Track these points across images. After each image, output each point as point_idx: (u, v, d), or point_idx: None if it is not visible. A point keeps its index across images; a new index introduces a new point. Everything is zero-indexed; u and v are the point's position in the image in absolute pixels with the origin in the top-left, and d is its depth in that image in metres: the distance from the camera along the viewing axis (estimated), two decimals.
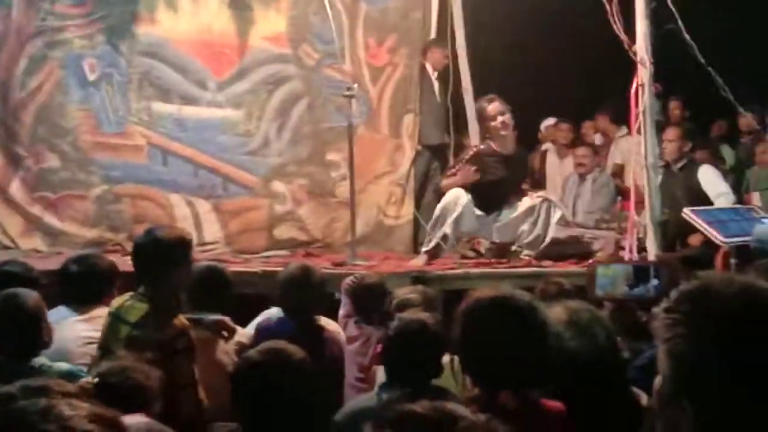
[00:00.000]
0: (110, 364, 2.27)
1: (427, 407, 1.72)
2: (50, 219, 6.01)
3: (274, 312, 3.88)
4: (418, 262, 5.67)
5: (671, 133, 5.86)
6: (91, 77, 6.15)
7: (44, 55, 6.03)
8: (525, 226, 5.74)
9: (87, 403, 1.10)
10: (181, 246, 3.20)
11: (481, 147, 5.91)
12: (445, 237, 5.70)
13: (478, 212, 5.75)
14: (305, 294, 3.68)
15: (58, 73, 6.07)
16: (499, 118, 5.73)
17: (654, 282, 2.48)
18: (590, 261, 2.51)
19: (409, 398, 1.99)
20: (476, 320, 2.13)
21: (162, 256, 3.11)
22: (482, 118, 5.92)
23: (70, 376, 2.73)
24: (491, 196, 5.77)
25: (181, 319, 3.11)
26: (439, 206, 5.78)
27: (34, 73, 6.00)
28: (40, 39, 6.02)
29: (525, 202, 5.77)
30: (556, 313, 2.35)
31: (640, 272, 2.49)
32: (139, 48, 6.29)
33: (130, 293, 3.20)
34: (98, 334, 3.25)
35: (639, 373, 2.49)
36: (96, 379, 2.11)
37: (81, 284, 3.63)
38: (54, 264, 4.17)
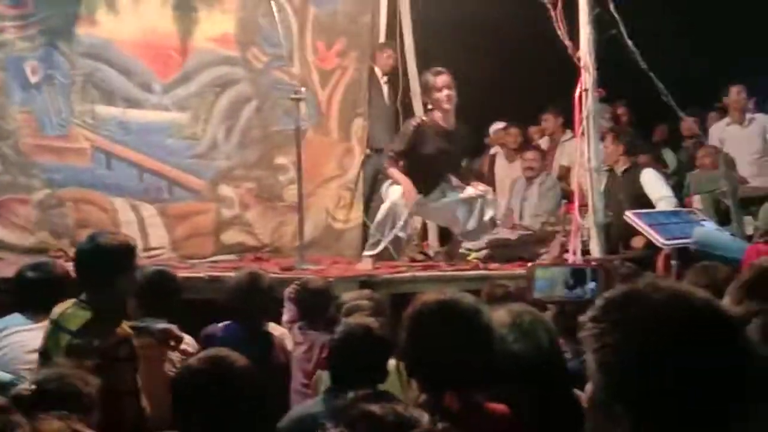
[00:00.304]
0: (48, 371, 2.22)
1: (387, 409, 1.72)
2: None
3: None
4: (365, 266, 5.66)
5: (607, 139, 6.00)
6: (33, 79, 6.01)
7: None
8: (460, 214, 5.81)
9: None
10: (124, 252, 3.14)
11: (424, 119, 5.90)
12: (397, 240, 5.71)
13: (420, 198, 5.75)
14: (254, 300, 3.67)
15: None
16: (445, 91, 5.75)
17: (591, 284, 2.52)
18: (530, 264, 2.54)
19: (360, 402, 1.99)
20: (422, 324, 2.14)
21: (104, 263, 3.05)
22: (427, 89, 5.90)
23: (8, 384, 2.67)
24: (430, 169, 5.78)
25: (124, 328, 3.06)
26: (385, 207, 5.75)
27: None
28: None
29: (467, 191, 5.82)
30: (499, 315, 2.37)
31: (578, 274, 2.52)
32: (82, 50, 6.16)
33: (72, 300, 3.13)
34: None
35: (580, 374, 2.53)
36: (33, 387, 2.05)
37: (37, 291, 3.55)
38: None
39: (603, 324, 1.21)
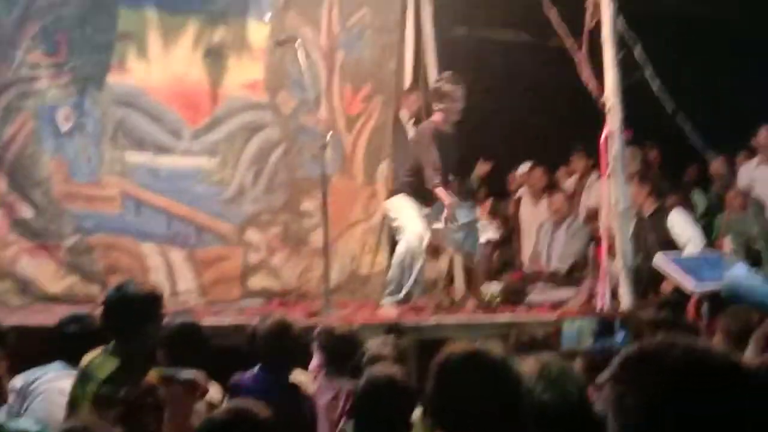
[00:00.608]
0: (71, 422, 2.21)
1: None
2: (24, 265, 5.92)
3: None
4: (390, 313, 5.61)
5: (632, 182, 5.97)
6: (65, 127, 6.12)
7: (17, 106, 5.98)
8: (458, 236, 5.85)
9: None
10: (151, 301, 3.17)
11: (433, 122, 5.91)
12: (416, 282, 5.68)
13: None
14: (283, 349, 3.65)
15: (32, 124, 6.03)
16: (459, 103, 5.81)
17: (620, 335, 2.48)
18: (558, 312, 2.49)
19: None
20: (449, 374, 2.12)
21: (132, 312, 3.07)
22: (442, 95, 5.87)
23: None
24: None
25: (152, 376, 3.05)
26: (402, 249, 5.68)
27: (7, 124, 5.95)
28: (13, 89, 5.98)
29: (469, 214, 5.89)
30: (527, 365, 2.35)
31: (605, 325, 2.48)
32: (113, 97, 6.27)
33: (101, 348, 3.15)
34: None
35: None
36: None
37: (77, 344, 3.50)
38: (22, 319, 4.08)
39: (620, 382, 1.22)
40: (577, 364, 2.69)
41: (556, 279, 6.42)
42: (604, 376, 1.25)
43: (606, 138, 5.00)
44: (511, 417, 2.14)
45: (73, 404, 3.08)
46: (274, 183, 6.72)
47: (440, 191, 5.68)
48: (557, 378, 2.36)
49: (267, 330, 3.70)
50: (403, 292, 5.67)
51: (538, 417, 2.24)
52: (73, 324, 3.70)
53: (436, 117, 5.92)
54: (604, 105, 5.04)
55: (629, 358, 1.23)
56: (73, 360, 3.46)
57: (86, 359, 3.16)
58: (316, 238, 6.62)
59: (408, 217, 5.75)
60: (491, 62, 7.40)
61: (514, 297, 5.83)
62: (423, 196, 5.76)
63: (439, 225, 5.84)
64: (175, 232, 6.40)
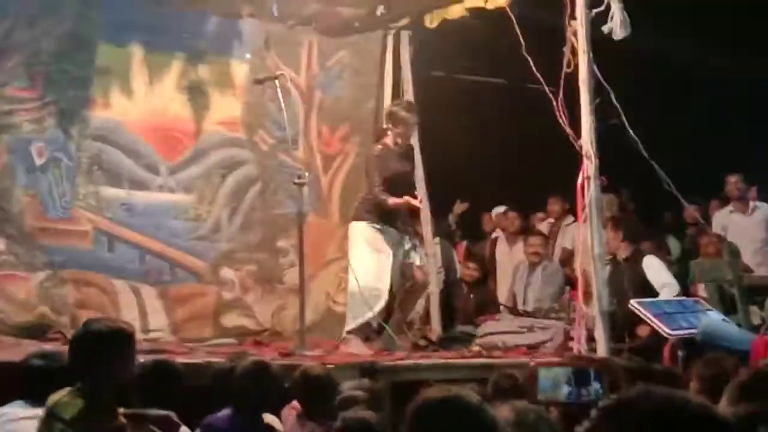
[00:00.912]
0: None
1: None
2: None
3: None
4: (359, 349, 5.54)
5: (607, 227, 5.99)
6: (39, 161, 6.06)
7: None
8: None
9: None
10: (119, 339, 3.09)
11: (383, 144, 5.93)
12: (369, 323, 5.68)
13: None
14: (261, 390, 3.59)
15: (5, 158, 5.97)
16: (411, 130, 5.96)
17: (595, 385, 2.46)
18: (533, 363, 2.47)
19: None
20: (425, 419, 2.09)
21: (99, 350, 2.99)
22: (398, 120, 5.89)
23: None
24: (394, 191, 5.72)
25: (118, 416, 2.98)
26: (362, 281, 5.62)
27: None
28: None
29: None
30: (503, 413, 2.32)
31: (581, 375, 2.46)
32: (89, 132, 6.25)
33: (68, 388, 3.06)
34: None
35: None
36: None
37: (43, 380, 3.39)
38: None
39: None
40: (553, 413, 2.66)
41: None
42: (583, 426, 1.23)
43: (582, 183, 5.03)
44: None
45: None
46: (250, 220, 6.70)
47: (393, 201, 5.66)
48: (533, 427, 2.34)
49: (244, 370, 3.64)
50: (357, 322, 5.63)
51: None
52: (38, 359, 3.58)
53: (387, 139, 5.93)
54: (580, 150, 5.07)
55: (608, 408, 1.22)
56: (36, 398, 3.37)
57: (52, 399, 3.07)
58: (291, 277, 6.59)
59: (358, 255, 5.75)
60: (469, 105, 7.46)
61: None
62: (386, 214, 5.73)
63: (419, 261, 5.84)
64: (149, 268, 6.34)
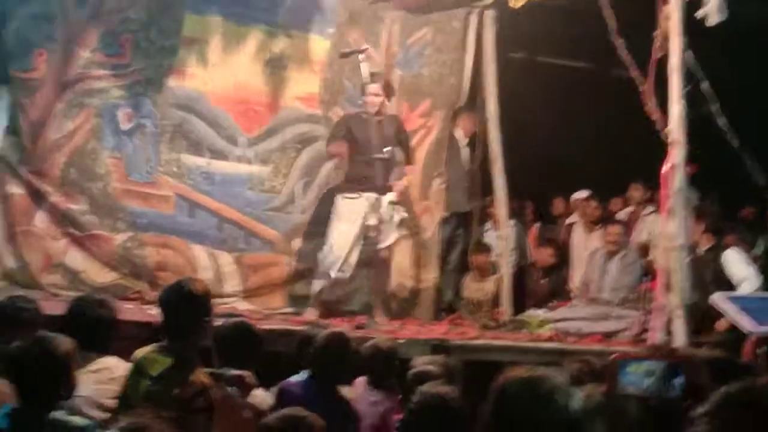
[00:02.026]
0: (131, 421, 2.20)
1: None
2: (74, 256, 6.01)
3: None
4: (310, 315, 5.72)
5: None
6: (125, 126, 6.22)
7: (81, 102, 6.11)
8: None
9: None
10: (208, 299, 3.17)
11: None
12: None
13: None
14: (338, 362, 3.63)
15: (94, 121, 6.14)
16: (372, 98, 5.91)
17: (679, 379, 2.38)
18: (615, 354, 2.40)
19: None
20: (508, 400, 2.07)
21: (191, 310, 3.08)
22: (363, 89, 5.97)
23: (84, 431, 2.65)
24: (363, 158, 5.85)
25: (202, 376, 3.05)
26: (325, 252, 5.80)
27: (70, 118, 6.07)
28: (78, 86, 6.10)
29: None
30: (584, 397, 2.30)
31: (668, 369, 2.39)
32: (173, 100, 6.37)
33: (155, 344, 3.15)
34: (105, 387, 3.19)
35: None
36: None
37: (88, 330, 3.44)
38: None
39: (718, 421, 1.19)
40: (631, 405, 2.61)
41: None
42: (700, 411, 1.21)
43: (667, 171, 4.89)
44: None
45: (126, 398, 3.09)
46: (323, 194, 6.73)
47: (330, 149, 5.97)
48: (616, 415, 2.31)
49: (324, 340, 3.67)
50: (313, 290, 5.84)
51: None
52: (82, 307, 3.56)
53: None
54: (666, 138, 4.94)
55: (730, 397, 1.19)
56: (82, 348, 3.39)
57: (140, 353, 3.16)
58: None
59: (333, 229, 5.89)
60: (550, 87, 7.33)
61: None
62: (356, 180, 5.86)
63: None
64: (225, 235, 6.46)
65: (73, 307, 3.60)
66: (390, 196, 5.82)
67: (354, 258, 5.82)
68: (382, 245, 5.88)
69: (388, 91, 6.02)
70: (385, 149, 5.76)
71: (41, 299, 4.39)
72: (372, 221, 5.80)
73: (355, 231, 5.80)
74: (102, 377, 3.30)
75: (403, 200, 6.01)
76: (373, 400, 3.90)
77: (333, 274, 5.79)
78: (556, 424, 2.10)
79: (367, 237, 5.87)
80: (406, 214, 5.96)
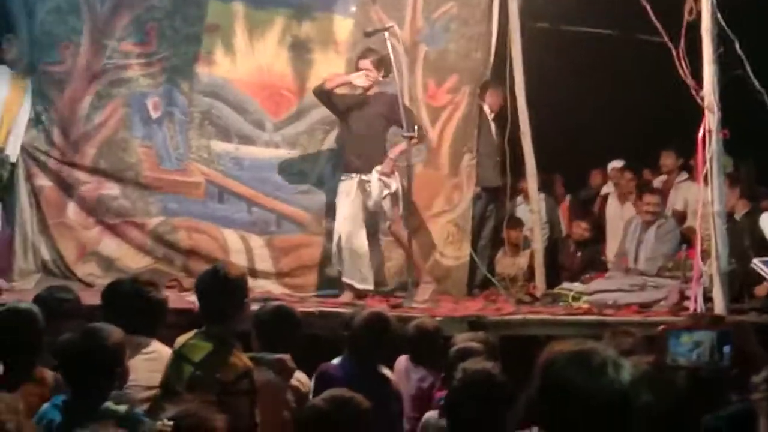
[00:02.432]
0: (181, 407, 2.22)
1: None
2: (107, 243, 6.08)
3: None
4: (345, 298, 5.71)
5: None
6: (154, 115, 6.25)
7: (109, 93, 6.14)
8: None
9: None
10: (244, 283, 3.19)
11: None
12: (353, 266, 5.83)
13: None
14: (379, 342, 3.62)
15: (122, 110, 6.18)
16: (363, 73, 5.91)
17: (727, 348, 2.35)
18: (662, 326, 2.36)
19: None
20: (559, 374, 2.04)
21: (229, 294, 3.09)
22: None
23: (131, 419, 2.67)
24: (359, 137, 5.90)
25: (244, 360, 3.07)
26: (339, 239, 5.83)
27: (99, 109, 6.11)
28: (106, 76, 6.13)
29: None
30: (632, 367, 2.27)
31: (720, 338, 2.35)
32: (200, 87, 6.38)
33: (194, 331, 3.17)
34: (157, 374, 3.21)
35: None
36: (170, 423, 2.06)
37: (140, 313, 3.39)
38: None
39: None
40: (680, 376, 2.58)
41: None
42: (760, 377, 1.17)
43: (703, 137, 4.81)
44: (619, 419, 2.07)
45: (168, 385, 3.11)
46: None
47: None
48: (661, 383, 2.28)
49: (364, 321, 3.66)
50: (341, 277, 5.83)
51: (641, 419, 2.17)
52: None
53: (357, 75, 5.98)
54: (701, 102, 4.85)
55: None
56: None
57: (180, 341, 3.19)
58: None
59: (338, 212, 5.92)
60: (578, 56, 7.23)
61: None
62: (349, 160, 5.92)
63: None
64: (256, 219, 6.49)
65: (124, 288, 3.55)
66: (377, 171, 5.83)
67: (361, 238, 5.85)
68: (388, 222, 5.91)
69: (380, 67, 5.95)
70: (414, 128, 5.73)
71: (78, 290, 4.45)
72: (369, 201, 5.84)
73: (352, 211, 5.84)
74: (155, 366, 3.27)
75: (393, 172, 5.93)
76: (416, 378, 3.91)
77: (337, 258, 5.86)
78: (608, 396, 2.06)
79: (375, 214, 5.92)
80: (397, 185, 5.90)
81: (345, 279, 5.85)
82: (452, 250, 6.81)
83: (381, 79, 5.97)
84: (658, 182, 7.39)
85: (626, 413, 2.09)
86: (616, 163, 7.49)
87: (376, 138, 5.93)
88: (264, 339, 3.46)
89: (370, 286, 5.87)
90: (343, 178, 6.00)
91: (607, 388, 2.06)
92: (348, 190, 5.91)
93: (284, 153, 6.59)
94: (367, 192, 5.85)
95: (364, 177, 5.85)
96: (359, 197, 5.86)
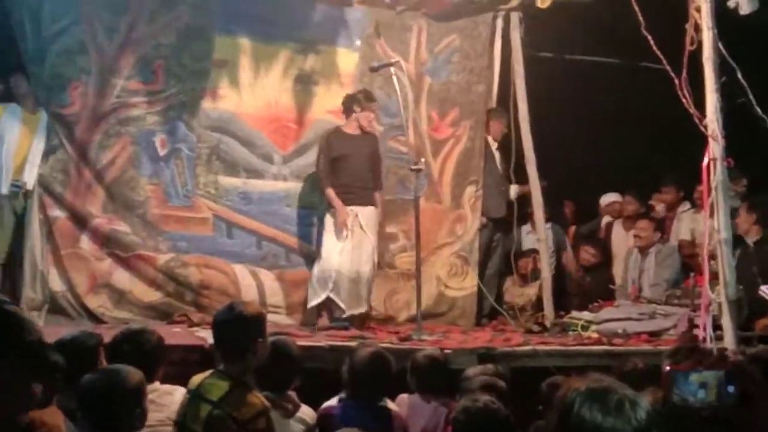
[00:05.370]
0: None
1: None
2: (119, 276, 6.11)
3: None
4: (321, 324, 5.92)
5: (741, 208, 5.79)
6: (162, 152, 6.32)
7: (117, 131, 6.22)
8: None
9: None
10: (261, 321, 3.21)
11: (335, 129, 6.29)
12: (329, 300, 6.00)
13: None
14: (379, 381, 3.63)
15: (131, 149, 6.24)
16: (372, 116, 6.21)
17: (732, 388, 2.36)
18: (667, 367, 2.36)
19: None
20: (577, 413, 2.06)
21: (246, 331, 3.12)
22: (361, 106, 6.15)
23: None
24: (350, 173, 6.08)
25: (261, 399, 3.08)
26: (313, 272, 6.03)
27: (107, 148, 6.18)
28: (114, 115, 6.21)
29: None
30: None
31: (725, 379, 2.36)
32: (208, 123, 6.45)
33: (210, 371, 3.19)
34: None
35: None
36: None
37: (132, 363, 3.27)
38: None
39: None
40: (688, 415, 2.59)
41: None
42: None
43: (707, 165, 4.84)
44: None
45: (184, 424, 3.13)
46: None
47: (329, 194, 6.05)
48: (671, 425, 2.28)
49: (363, 361, 3.66)
50: (313, 302, 6.02)
51: None
52: (127, 343, 3.56)
53: (347, 122, 6.22)
54: (704, 131, 4.88)
55: None
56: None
57: (195, 380, 3.20)
58: (401, 261, 6.67)
59: (324, 242, 6.09)
60: (581, 86, 7.29)
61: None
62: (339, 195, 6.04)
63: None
64: (265, 253, 6.54)
65: (119, 337, 3.61)
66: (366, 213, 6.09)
67: (347, 270, 6.01)
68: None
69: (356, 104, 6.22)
70: (419, 161, 5.82)
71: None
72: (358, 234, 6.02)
73: (342, 244, 5.98)
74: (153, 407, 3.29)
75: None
76: (426, 410, 3.90)
77: (326, 289, 5.99)
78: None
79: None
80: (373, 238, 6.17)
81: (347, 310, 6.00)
82: (457, 282, 6.85)
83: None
84: (662, 209, 7.41)
85: None
86: (608, 197, 7.56)
87: (377, 172, 6.22)
88: (261, 375, 3.40)
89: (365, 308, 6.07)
90: (332, 210, 6.11)
91: (625, 426, 2.07)
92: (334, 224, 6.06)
93: (292, 186, 6.64)
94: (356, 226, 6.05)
95: (355, 212, 6.05)
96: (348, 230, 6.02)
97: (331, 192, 6.06)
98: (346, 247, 5.99)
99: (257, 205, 6.53)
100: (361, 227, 6.05)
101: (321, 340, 5.10)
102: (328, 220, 6.11)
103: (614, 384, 2.16)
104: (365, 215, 6.11)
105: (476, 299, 6.84)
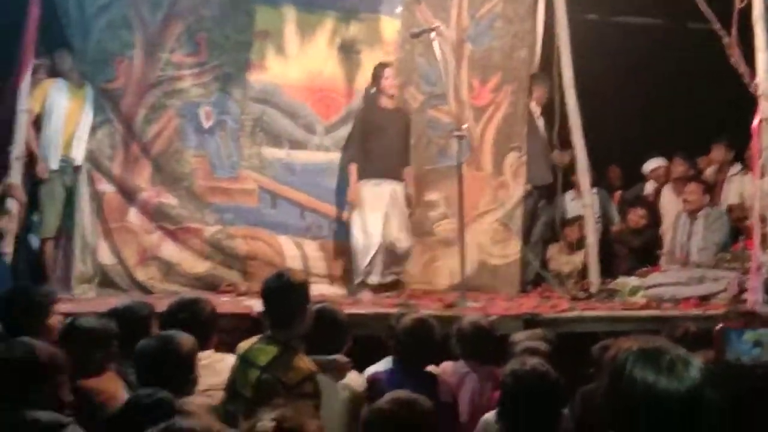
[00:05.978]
0: (281, 411, 2.25)
1: None
2: (167, 248, 6.20)
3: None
4: (369, 299, 5.92)
5: None
6: (206, 124, 6.37)
7: (163, 104, 6.27)
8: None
9: None
10: (306, 288, 3.25)
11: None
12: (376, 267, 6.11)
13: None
14: (422, 347, 3.65)
15: (176, 121, 6.30)
16: (390, 80, 6.28)
17: None
18: (720, 325, 2.33)
19: None
20: (629, 373, 2.04)
21: (293, 298, 3.16)
22: (376, 77, 6.31)
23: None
24: (382, 148, 6.16)
25: (308, 363, 3.12)
26: (352, 242, 6.14)
27: (153, 122, 6.25)
28: (159, 88, 6.27)
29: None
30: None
31: None
32: (251, 94, 6.48)
33: (258, 336, 3.25)
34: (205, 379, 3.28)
35: None
36: (273, 423, 2.12)
37: (187, 331, 3.35)
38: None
39: None
40: (740, 373, 2.57)
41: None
42: None
43: (757, 125, 4.73)
44: (690, 416, 2.06)
45: (234, 389, 3.19)
46: None
47: (350, 168, 6.19)
48: (722, 384, 2.26)
49: (407, 328, 3.69)
50: (361, 277, 6.09)
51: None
52: (182, 312, 3.62)
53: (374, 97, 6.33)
54: (755, 91, 4.77)
55: None
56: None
57: (243, 346, 3.26)
58: (441, 229, 6.67)
59: (357, 213, 6.16)
60: (626, 48, 7.14)
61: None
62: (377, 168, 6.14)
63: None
64: (309, 223, 6.57)
65: (174, 306, 3.69)
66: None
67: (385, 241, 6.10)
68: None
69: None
70: (462, 127, 5.80)
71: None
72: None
73: (381, 215, 6.10)
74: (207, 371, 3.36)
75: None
76: (471, 377, 3.92)
77: (368, 257, 6.08)
78: (680, 394, 2.06)
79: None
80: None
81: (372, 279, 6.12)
82: (499, 249, 6.82)
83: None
84: (710, 173, 7.26)
85: (697, 410, 2.09)
86: (652, 163, 7.43)
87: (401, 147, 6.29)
88: (308, 341, 3.43)
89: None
90: (370, 183, 6.17)
91: (678, 386, 2.05)
92: (379, 194, 6.14)
93: (335, 156, 6.65)
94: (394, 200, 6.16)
95: (391, 186, 6.15)
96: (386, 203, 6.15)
97: (352, 167, 6.16)
98: (382, 219, 6.09)
99: (300, 176, 6.56)
100: (394, 199, 6.12)
101: (365, 308, 5.14)
102: (365, 191, 6.13)
103: (666, 344, 2.14)
104: (398, 190, 6.19)
105: (519, 267, 6.81)
